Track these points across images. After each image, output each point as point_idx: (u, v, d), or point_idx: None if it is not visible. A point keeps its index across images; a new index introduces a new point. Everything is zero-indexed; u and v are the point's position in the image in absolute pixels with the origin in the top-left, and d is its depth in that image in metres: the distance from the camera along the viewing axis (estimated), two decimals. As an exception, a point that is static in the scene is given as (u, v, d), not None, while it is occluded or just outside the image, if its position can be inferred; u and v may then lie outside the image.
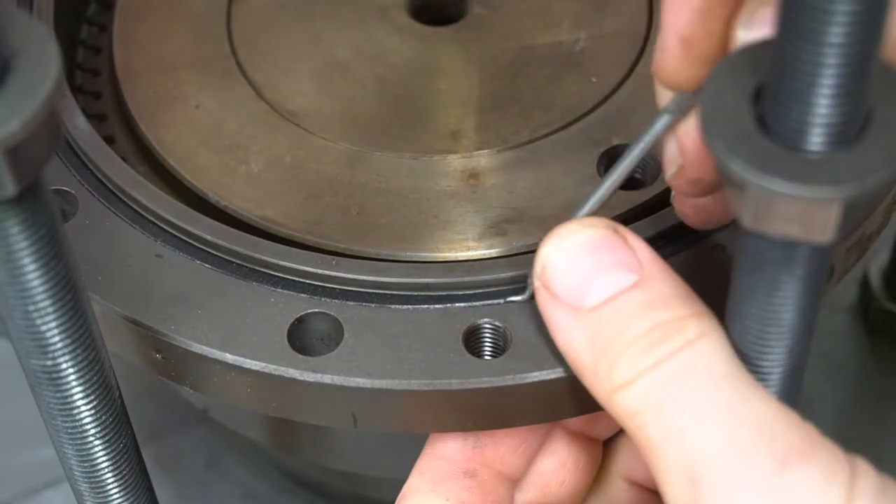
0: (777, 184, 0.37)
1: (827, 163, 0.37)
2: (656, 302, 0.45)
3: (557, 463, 0.57)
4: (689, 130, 0.47)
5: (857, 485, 0.41)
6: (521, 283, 0.52)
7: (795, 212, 0.38)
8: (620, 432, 0.59)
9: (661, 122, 0.48)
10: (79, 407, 0.47)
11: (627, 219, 0.56)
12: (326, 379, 0.50)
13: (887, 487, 0.41)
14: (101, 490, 0.51)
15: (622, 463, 0.59)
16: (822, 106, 0.36)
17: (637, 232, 0.48)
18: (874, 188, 0.37)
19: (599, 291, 0.46)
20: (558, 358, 0.49)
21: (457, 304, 0.52)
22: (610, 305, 0.45)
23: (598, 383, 0.45)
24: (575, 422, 0.57)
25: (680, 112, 0.48)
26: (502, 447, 0.55)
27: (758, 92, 0.38)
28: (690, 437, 0.42)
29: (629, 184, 0.60)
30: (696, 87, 0.46)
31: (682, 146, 0.48)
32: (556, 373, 0.50)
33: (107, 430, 0.49)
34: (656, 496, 0.45)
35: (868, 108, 0.37)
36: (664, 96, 0.48)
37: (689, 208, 0.52)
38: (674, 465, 0.42)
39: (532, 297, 0.51)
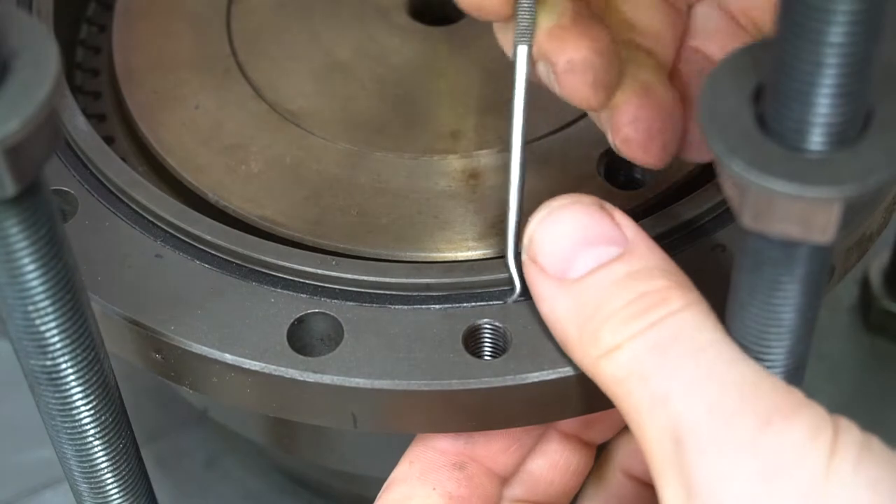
0: (777, 184, 0.37)
1: (827, 163, 0.37)
2: (639, 274, 0.46)
3: (549, 464, 0.57)
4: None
5: (839, 440, 0.41)
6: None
7: (795, 212, 0.37)
8: (620, 432, 0.59)
9: (521, 55, 0.49)
10: (78, 407, 0.47)
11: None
12: (326, 379, 0.50)
13: (872, 444, 0.41)
14: (100, 490, 0.51)
15: (622, 459, 0.59)
16: (822, 106, 0.36)
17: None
18: (875, 188, 0.37)
19: (584, 263, 0.46)
20: (558, 358, 0.49)
21: (457, 305, 0.52)
22: (593, 276, 0.46)
23: (585, 352, 0.46)
24: (570, 425, 0.57)
25: (529, 36, 0.49)
26: (494, 445, 0.55)
27: (758, 92, 0.38)
28: (675, 402, 0.42)
29: (629, 184, 0.60)
30: (510, 13, 0.48)
31: (537, 44, 0.49)
32: (556, 373, 0.50)
33: (106, 430, 0.49)
34: (655, 491, 0.45)
35: (868, 108, 0.37)
36: (507, 39, 0.50)
37: (627, 126, 0.50)
38: (659, 430, 0.43)
39: (520, 296, 0.51)
